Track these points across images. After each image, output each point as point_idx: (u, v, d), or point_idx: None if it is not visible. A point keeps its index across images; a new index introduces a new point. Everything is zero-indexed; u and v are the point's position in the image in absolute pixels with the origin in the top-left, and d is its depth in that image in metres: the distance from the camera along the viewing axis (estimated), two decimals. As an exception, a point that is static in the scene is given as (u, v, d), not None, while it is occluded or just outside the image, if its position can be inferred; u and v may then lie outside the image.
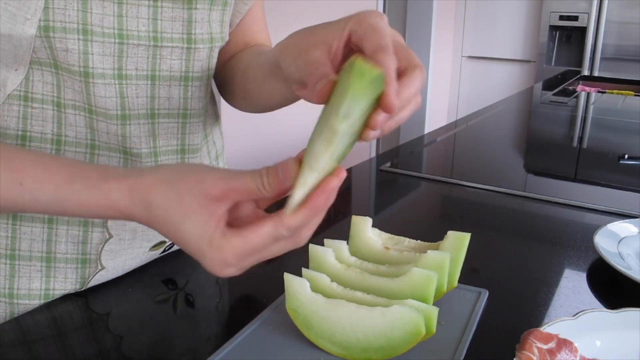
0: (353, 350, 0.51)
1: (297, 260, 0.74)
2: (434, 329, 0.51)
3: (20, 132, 0.58)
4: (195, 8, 0.61)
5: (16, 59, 0.55)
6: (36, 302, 0.63)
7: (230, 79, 0.73)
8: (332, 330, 0.52)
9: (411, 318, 0.49)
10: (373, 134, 0.42)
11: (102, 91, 0.58)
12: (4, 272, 0.62)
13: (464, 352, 0.52)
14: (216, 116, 0.78)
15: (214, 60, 0.66)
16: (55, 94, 0.58)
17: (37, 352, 0.54)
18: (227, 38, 0.68)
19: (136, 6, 0.57)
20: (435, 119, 4.21)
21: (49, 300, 0.63)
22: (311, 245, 0.59)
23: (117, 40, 0.57)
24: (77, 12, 0.54)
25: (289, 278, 0.54)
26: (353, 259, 0.60)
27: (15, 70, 0.56)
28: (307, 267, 0.59)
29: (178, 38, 0.60)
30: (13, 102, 0.57)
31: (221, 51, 0.71)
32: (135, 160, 0.62)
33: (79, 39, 0.55)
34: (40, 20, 0.53)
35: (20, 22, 0.52)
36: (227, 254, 0.41)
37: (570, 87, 2.38)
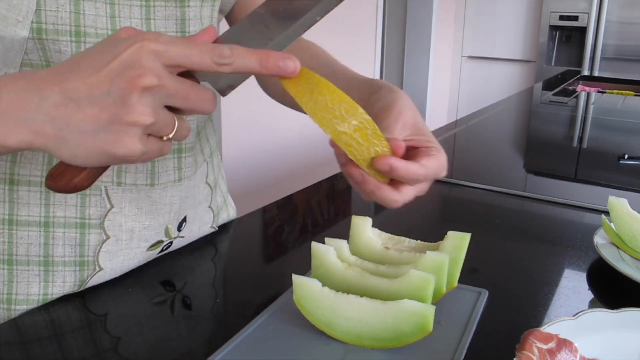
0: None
1: (297, 261, 0.74)
2: (430, 327, 0.51)
3: None
4: (188, 6, 0.61)
5: (6, 61, 0.55)
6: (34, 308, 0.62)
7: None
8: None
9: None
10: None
11: None
12: (2, 278, 0.61)
13: (464, 352, 0.52)
14: None
15: None
16: None
17: (35, 353, 0.54)
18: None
19: (128, 7, 0.57)
20: (435, 119, 4.21)
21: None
22: (313, 243, 0.59)
23: None
24: (70, 14, 0.54)
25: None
26: (354, 258, 0.60)
27: (5, 73, 0.55)
28: (307, 267, 0.59)
29: None
30: None
31: None
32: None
33: (71, 41, 0.55)
34: (32, 22, 0.53)
35: (11, 24, 0.52)
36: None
37: (570, 87, 2.38)
